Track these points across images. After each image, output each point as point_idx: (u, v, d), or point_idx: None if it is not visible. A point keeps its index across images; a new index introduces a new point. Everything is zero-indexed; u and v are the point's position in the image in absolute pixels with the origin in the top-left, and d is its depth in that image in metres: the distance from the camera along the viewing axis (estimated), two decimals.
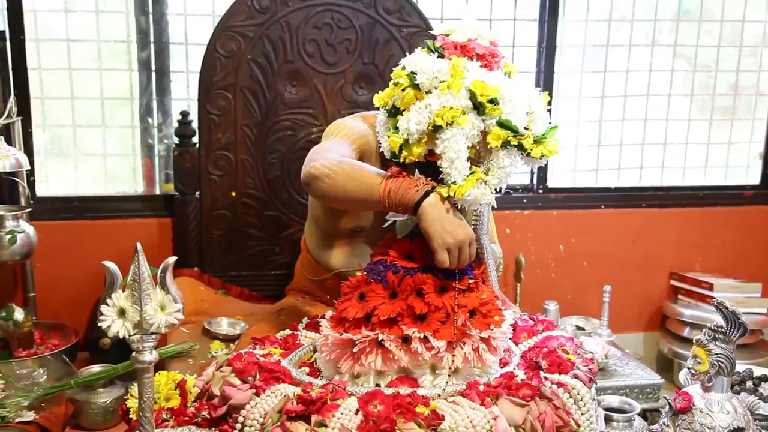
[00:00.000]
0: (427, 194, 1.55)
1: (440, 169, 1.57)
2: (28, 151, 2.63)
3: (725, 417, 1.58)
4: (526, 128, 1.57)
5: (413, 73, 1.59)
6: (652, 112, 3.32)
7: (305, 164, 1.72)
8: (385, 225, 1.66)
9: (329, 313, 1.66)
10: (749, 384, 2.03)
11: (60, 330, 2.60)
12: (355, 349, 1.51)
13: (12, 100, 2.47)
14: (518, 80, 1.66)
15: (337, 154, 1.75)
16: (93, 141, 2.86)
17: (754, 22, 3.33)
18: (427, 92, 1.58)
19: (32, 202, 2.60)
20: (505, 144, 1.56)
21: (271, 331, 1.94)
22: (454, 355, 1.50)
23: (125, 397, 1.60)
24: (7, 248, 2.41)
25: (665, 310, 3.28)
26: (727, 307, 1.59)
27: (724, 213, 3.35)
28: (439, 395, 1.45)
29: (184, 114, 2.66)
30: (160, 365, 2.05)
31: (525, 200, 3.15)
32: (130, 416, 1.55)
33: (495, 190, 1.58)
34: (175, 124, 2.70)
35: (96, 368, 2.37)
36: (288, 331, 1.87)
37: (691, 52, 3.32)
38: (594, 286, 2.95)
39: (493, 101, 1.53)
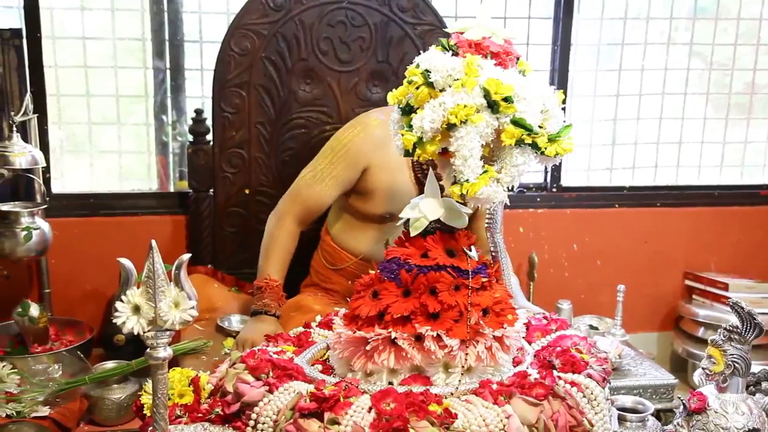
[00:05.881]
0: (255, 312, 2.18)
1: (453, 167, 1.56)
2: (44, 148, 2.65)
3: (740, 418, 1.57)
4: (540, 126, 1.56)
5: (427, 71, 1.59)
6: (668, 111, 3.30)
7: (291, 191, 2.30)
8: (398, 222, 1.66)
9: (342, 310, 1.66)
10: (765, 385, 2.01)
11: (75, 326, 2.61)
12: (368, 347, 1.51)
13: (28, 98, 2.48)
14: (533, 78, 1.65)
15: (311, 207, 2.27)
16: (108, 138, 2.88)
17: None
18: (441, 90, 1.58)
19: (48, 198, 2.61)
20: (519, 142, 1.55)
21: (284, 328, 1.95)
22: (467, 354, 1.50)
23: (139, 393, 1.61)
24: (22, 245, 2.43)
25: (680, 310, 3.26)
26: (742, 308, 1.58)
27: (740, 212, 3.33)
28: (452, 394, 1.45)
29: (199, 112, 2.67)
30: (173, 362, 2.04)
31: (539, 199, 3.14)
32: (144, 412, 1.56)
33: (507, 188, 1.58)
34: (190, 122, 2.70)
35: (110, 364, 2.39)
36: (301, 329, 1.87)
37: (707, 50, 3.30)
38: (608, 285, 2.94)
39: (507, 99, 1.52)
